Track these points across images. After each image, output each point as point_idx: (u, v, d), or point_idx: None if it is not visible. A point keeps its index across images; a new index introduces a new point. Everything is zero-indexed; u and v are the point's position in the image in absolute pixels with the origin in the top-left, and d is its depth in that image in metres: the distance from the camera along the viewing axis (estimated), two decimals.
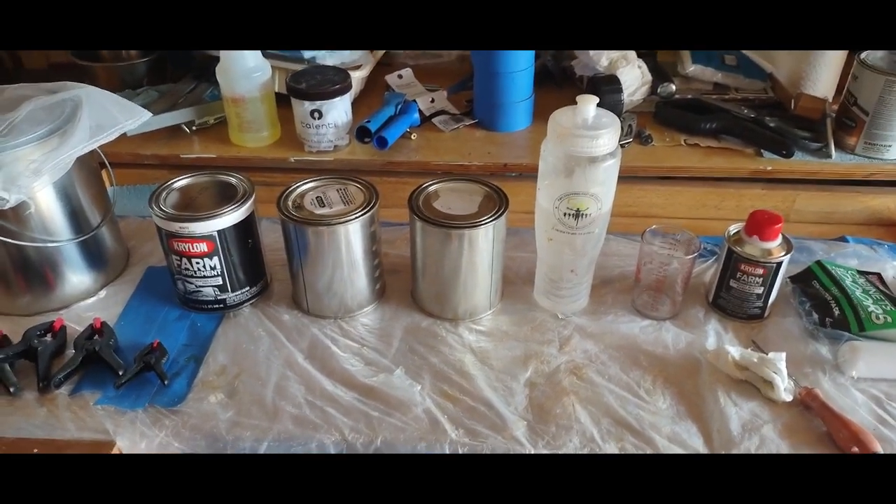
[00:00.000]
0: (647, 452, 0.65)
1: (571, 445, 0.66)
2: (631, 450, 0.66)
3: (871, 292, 0.79)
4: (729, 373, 0.73)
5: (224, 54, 1.01)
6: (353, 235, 0.76)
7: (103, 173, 0.88)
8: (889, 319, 0.75)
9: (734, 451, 0.65)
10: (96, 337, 0.75)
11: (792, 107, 1.09)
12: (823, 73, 1.09)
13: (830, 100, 1.09)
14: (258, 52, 1.03)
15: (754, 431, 0.67)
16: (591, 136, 0.67)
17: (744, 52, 1.18)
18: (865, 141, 1.02)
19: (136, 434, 0.67)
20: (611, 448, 0.66)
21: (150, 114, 0.83)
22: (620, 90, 1.08)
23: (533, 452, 0.65)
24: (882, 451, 0.63)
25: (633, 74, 1.12)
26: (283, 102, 1.09)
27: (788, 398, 0.70)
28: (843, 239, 0.95)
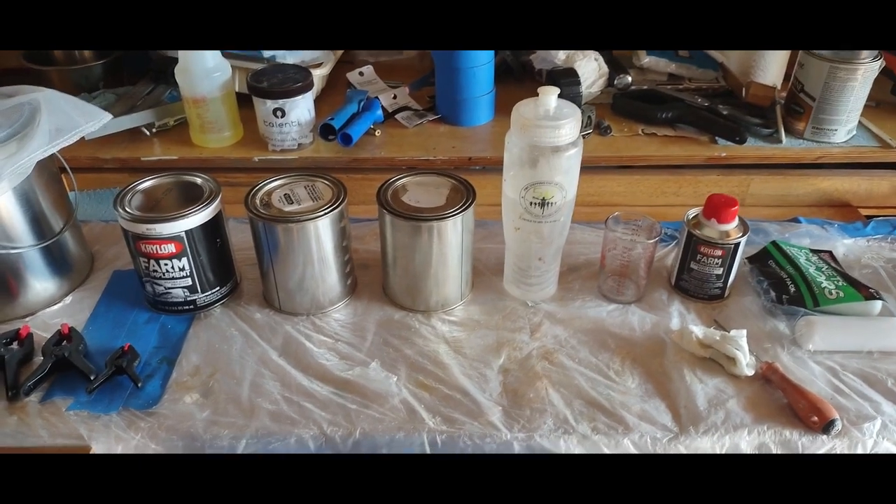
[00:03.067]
0: (619, 431, 0.67)
1: (546, 427, 0.68)
2: (603, 429, 0.68)
3: (823, 269, 0.83)
4: (693, 351, 0.75)
5: (183, 55, 1.00)
6: (322, 232, 0.76)
7: (63, 178, 0.86)
8: (841, 294, 0.78)
9: (701, 426, 0.68)
10: (65, 343, 0.74)
11: (743, 95, 1.12)
12: (771, 61, 1.13)
13: (779, 87, 1.13)
14: (217, 52, 1.03)
15: (720, 406, 0.70)
16: (554, 126, 0.69)
17: None
18: (813, 126, 1.06)
19: (112, 438, 0.66)
20: (584, 428, 0.68)
21: (111, 116, 0.82)
22: (578, 83, 1.10)
23: (509, 436, 0.67)
24: (839, 419, 0.67)
25: (590, 67, 1.14)
26: (244, 102, 1.08)
27: (750, 373, 0.72)
28: (795, 220, 0.99)
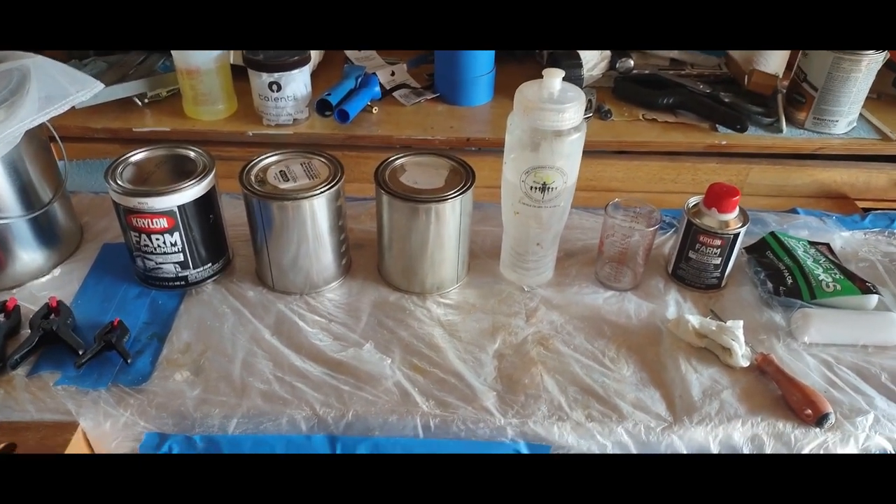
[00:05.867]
0: (614, 419, 0.67)
1: (540, 414, 0.67)
2: (597, 417, 0.67)
3: (821, 262, 0.83)
4: (689, 341, 0.75)
5: None
6: (318, 210, 0.75)
7: (53, 147, 0.84)
8: (838, 287, 0.78)
9: (695, 416, 0.67)
10: (53, 316, 0.73)
11: (745, 83, 1.11)
12: (774, 50, 1.12)
13: (781, 76, 1.12)
14: None
15: (714, 396, 0.70)
16: (557, 109, 0.68)
17: None
18: (814, 116, 1.06)
19: (100, 414, 0.65)
20: (578, 416, 0.67)
21: (102, 85, 0.80)
22: (580, 65, 1.09)
23: (503, 422, 0.67)
24: (833, 413, 0.67)
25: (592, 50, 1.13)
26: (239, 75, 1.06)
27: (745, 364, 0.72)
28: (794, 211, 0.99)
